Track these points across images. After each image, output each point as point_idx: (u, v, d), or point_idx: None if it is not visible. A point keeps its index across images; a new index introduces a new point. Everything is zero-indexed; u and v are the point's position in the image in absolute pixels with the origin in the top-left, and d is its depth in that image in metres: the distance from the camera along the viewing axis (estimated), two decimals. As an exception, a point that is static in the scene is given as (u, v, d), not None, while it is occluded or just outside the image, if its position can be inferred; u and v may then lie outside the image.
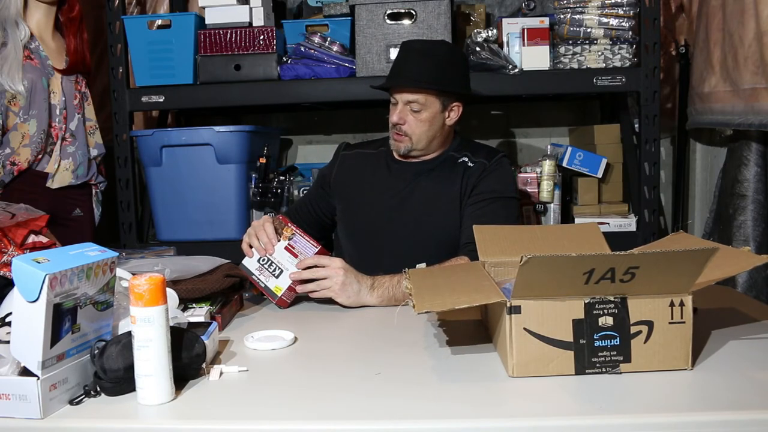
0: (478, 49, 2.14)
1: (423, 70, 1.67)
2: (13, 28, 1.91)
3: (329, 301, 1.46)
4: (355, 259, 1.71)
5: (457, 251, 1.67)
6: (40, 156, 1.98)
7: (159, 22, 2.32)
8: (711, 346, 1.10)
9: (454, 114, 1.74)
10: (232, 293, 1.46)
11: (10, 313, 0.97)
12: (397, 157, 1.79)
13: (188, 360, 1.01)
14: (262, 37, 2.23)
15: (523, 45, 2.18)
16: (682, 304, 0.99)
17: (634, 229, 2.21)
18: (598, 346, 0.99)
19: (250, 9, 2.27)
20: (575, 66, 2.19)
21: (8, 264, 1.25)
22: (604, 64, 2.17)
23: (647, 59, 2.14)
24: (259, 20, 2.28)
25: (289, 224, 1.52)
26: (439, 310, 1.30)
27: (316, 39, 2.24)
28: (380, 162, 1.82)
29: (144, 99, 2.28)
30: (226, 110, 2.74)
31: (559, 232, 1.43)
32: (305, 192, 1.96)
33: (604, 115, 2.66)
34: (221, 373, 1.04)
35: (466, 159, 1.76)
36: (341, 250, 1.84)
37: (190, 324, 1.14)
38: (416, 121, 1.69)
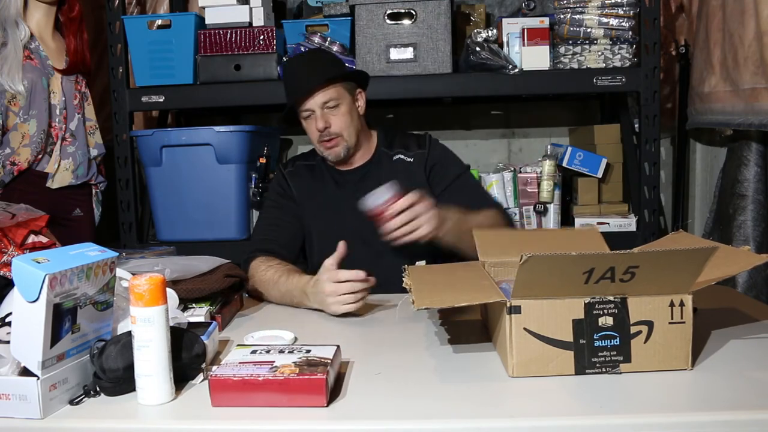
0: (478, 49, 2.14)
1: (320, 69, 1.68)
2: (13, 28, 1.91)
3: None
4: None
5: (427, 248, 1.63)
6: (40, 156, 1.98)
7: (159, 22, 2.32)
8: (711, 346, 1.10)
9: (362, 100, 1.77)
10: (232, 293, 1.46)
11: (10, 313, 0.97)
12: (337, 167, 1.78)
13: (188, 360, 1.01)
14: (262, 37, 2.23)
15: (523, 45, 2.18)
16: (682, 304, 0.99)
17: (634, 229, 2.21)
18: (598, 346, 0.99)
19: (250, 9, 2.27)
20: (575, 66, 2.18)
21: (8, 264, 1.25)
22: (604, 64, 2.17)
23: (647, 59, 2.14)
24: (259, 20, 2.28)
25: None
26: (438, 307, 1.30)
27: (316, 39, 2.24)
28: (324, 175, 1.80)
29: (144, 99, 2.28)
30: (226, 110, 2.74)
31: (559, 235, 1.43)
32: (266, 215, 1.81)
33: (604, 115, 2.66)
34: (221, 373, 1.04)
35: (402, 156, 1.78)
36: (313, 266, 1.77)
37: (190, 324, 1.14)
38: (339, 117, 1.68)
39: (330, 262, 1.39)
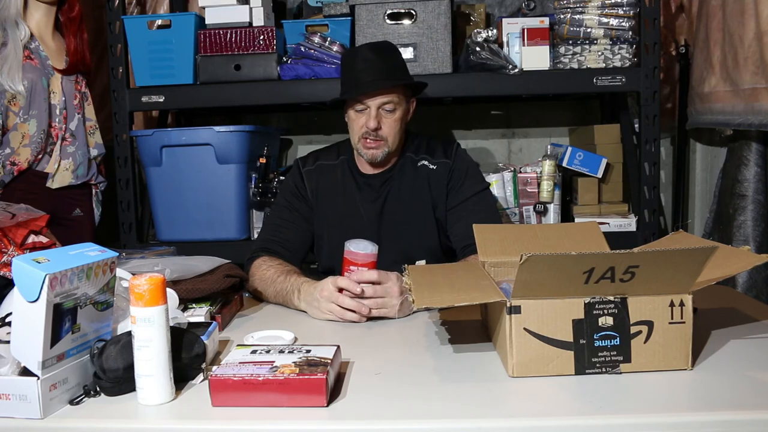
0: (478, 49, 2.14)
1: (390, 69, 1.65)
2: (13, 28, 1.91)
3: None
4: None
5: (437, 258, 1.68)
6: (40, 156, 1.98)
7: (159, 22, 2.32)
8: (711, 346, 1.10)
9: (412, 109, 1.75)
10: (232, 293, 1.47)
11: (10, 313, 0.97)
12: (362, 168, 1.76)
13: (188, 360, 1.01)
14: (262, 37, 2.23)
15: (523, 45, 2.18)
16: (682, 304, 0.99)
17: (634, 229, 2.21)
18: (598, 346, 0.99)
19: (250, 9, 2.27)
20: (575, 66, 2.18)
21: (8, 264, 1.25)
22: (604, 64, 2.17)
23: (647, 59, 2.14)
24: (259, 20, 2.28)
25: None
26: (438, 306, 1.30)
27: (316, 39, 2.24)
28: (346, 175, 1.77)
29: (144, 99, 2.28)
30: (226, 110, 2.74)
31: (559, 231, 1.43)
32: (276, 215, 1.78)
33: (604, 115, 2.66)
34: (221, 373, 1.04)
35: (426, 162, 1.75)
36: (320, 268, 1.80)
37: (190, 324, 1.14)
38: (392, 122, 1.65)
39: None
